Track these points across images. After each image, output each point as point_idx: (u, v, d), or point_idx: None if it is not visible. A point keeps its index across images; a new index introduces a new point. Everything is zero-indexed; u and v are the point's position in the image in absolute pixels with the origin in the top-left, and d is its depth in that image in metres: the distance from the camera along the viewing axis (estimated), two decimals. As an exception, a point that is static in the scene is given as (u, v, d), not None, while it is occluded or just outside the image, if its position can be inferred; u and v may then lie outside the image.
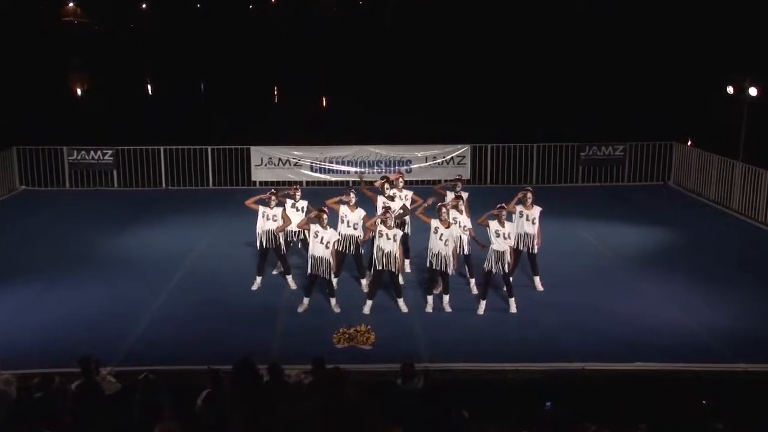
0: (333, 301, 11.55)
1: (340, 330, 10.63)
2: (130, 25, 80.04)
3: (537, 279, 12.34)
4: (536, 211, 12.03)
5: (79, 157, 20.03)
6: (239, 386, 7.62)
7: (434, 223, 11.27)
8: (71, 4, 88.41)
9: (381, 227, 11.21)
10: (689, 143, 20.89)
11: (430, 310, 11.50)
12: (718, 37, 47.12)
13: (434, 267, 11.35)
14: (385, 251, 11.13)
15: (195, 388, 7.84)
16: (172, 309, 11.66)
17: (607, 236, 15.24)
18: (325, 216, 11.16)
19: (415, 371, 8.07)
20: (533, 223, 11.98)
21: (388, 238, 11.14)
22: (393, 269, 11.28)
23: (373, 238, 11.39)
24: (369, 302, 11.47)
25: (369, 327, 10.71)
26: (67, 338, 10.46)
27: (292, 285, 12.36)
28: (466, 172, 19.81)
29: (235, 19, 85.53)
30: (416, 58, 56.24)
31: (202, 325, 11.07)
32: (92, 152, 20.03)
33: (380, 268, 11.22)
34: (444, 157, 20.24)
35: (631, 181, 20.26)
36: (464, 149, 20.22)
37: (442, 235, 11.18)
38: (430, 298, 11.66)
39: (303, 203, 12.36)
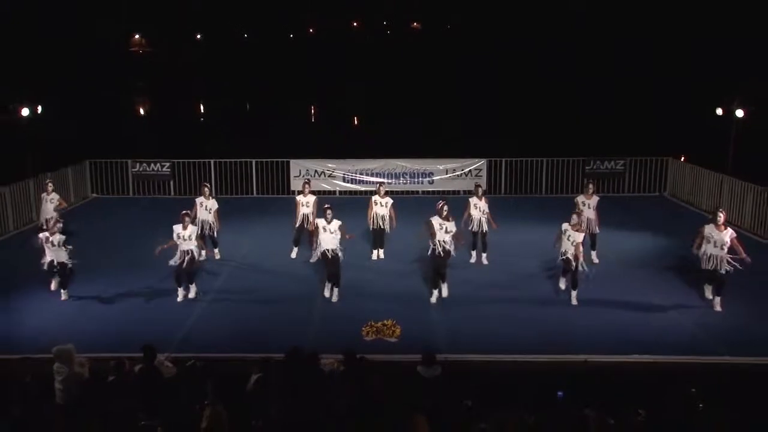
0: (216, 250, 13.85)
1: (369, 323, 10.63)
2: (186, 53, 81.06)
3: (594, 253, 13.52)
4: (594, 200, 13.28)
5: (141, 169, 20.24)
6: (289, 373, 7.59)
7: (565, 226, 11.52)
8: (137, 36, 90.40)
9: (375, 197, 13.58)
10: (683, 159, 20.63)
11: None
12: (710, 65, 46.89)
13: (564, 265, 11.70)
14: (380, 214, 13.45)
15: (238, 375, 7.86)
16: (218, 305, 11.72)
17: (610, 241, 14.97)
18: (206, 189, 13.64)
19: (434, 360, 8.00)
20: (592, 209, 13.20)
21: (382, 205, 13.47)
22: (384, 227, 13.49)
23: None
24: (379, 251, 13.84)
25: (395, 321, 10.69)
26: (127, 328, 10.60)
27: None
28: (482, 183, 19.68)
29: (276, 47, 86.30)
30: (436, 82, 56.41)
31: (245, 318, 11.13)
32: (152, 164, 20.23)
33: (375, 227, 13.60)
34: (463, 170, 20.13)
35: (630, 191, 19.99)
36: (481, 163, 20.09)
37: (570, 236, 11.43)
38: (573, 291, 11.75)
39: (213, 203, 13.62)
